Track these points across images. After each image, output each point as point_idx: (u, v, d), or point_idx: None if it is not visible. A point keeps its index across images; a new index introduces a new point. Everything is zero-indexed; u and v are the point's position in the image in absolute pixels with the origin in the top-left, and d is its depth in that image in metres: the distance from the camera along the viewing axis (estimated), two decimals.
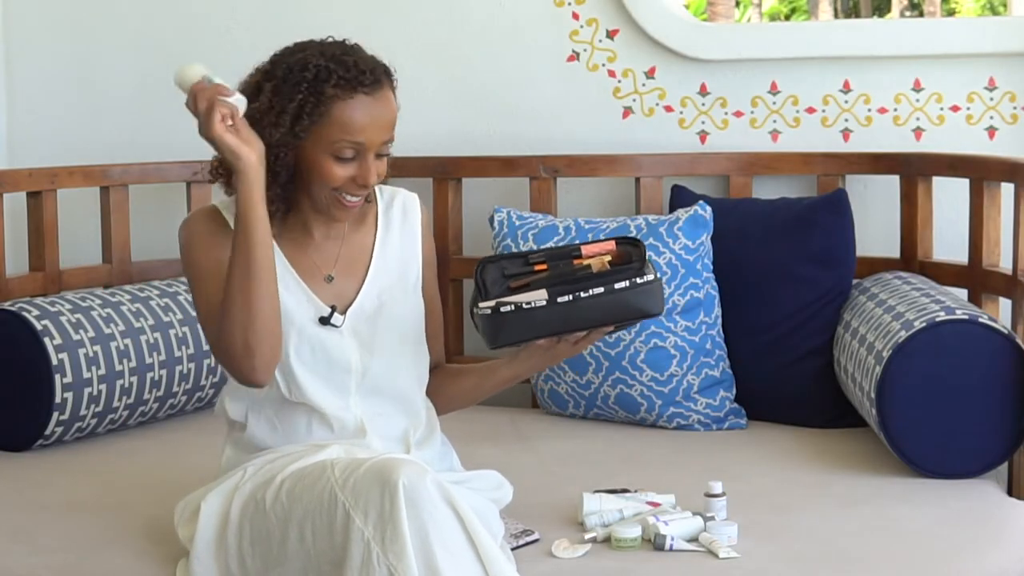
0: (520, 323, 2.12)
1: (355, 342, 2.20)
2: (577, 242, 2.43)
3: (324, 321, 2.18)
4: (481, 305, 2.15)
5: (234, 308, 2.06)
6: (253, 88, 2.15)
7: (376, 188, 2.27)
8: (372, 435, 2.19)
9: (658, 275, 2.17)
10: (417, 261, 2.31)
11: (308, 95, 2.10)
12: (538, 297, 2.13)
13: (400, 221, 2.31)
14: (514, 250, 3.13)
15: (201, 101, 2.04)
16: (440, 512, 1.92)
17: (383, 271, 2.27)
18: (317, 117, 2.10)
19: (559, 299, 2.10)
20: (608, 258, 2.21)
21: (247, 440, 2.22)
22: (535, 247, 3.13)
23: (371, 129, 2.12)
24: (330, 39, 2.20)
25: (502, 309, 2.11)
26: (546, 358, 2.23)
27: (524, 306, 2.11)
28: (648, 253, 2.26)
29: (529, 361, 2.25)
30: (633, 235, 3.06)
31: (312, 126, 2.10)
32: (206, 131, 2.04)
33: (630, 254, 2.21)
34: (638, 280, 2.13)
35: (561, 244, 2.52)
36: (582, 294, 2.11)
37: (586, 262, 2.21)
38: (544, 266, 2.23)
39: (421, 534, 1.90)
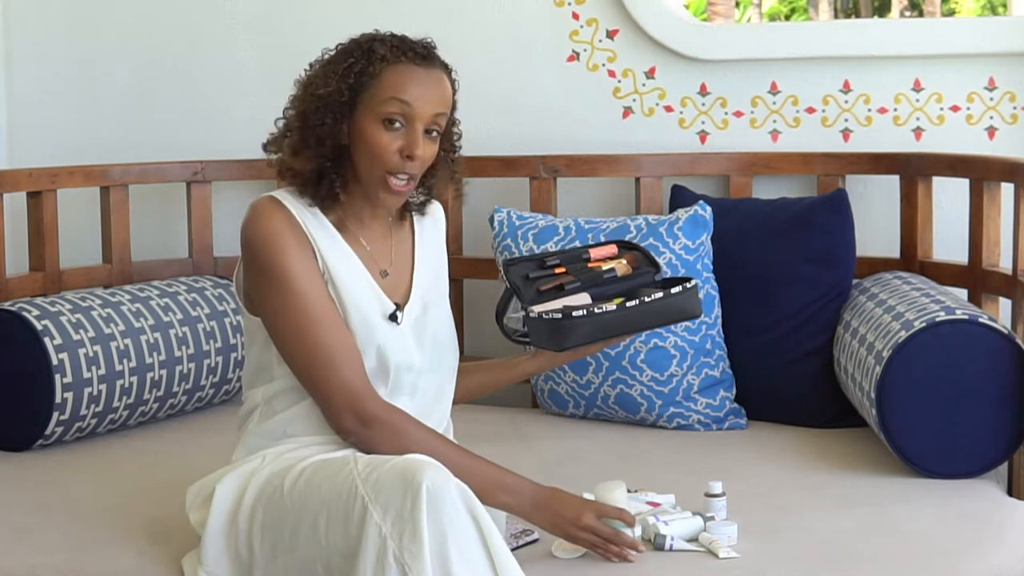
0: (590, 326, 2.20)
1: (413, 339, 2.20)
2: (577, 243, 2.48)
3: (392, 318, 2.17)
4: (538, 310, 2.22)
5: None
6: (308, 81, 2.18)
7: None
8: None
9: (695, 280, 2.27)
10: (445, 268, 2.34)
11: (359, 58, 2.13)
12: (583, 301, 2.24)
13: (431, 227, 2.33)
14: (516, 252, 3.14)
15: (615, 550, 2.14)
16: (460, 518, 1.92)
17: (424, 273, 2.28)
18: (367, 78, 2.12)
19: (628, 303, 2.20)
20: (624, 261, 2.31)
21: (274, 428, 2.19)
22: (535, 248, 3.13)
23: (420, 96, 2.13)
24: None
25: (574, 314, 2.18)
26: (576, 354, 2.28)
27: (596, 311, 2.19)
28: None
29: (557, 357, 2.31)
30: (630, 238, 3.07)
31: (362, 90, 2.12)
32: (587, 541, 2.14)
33: (638, 257, 2.32)
34: (687, 285, 2.26)
35: (565, 248, 2.60)
36: (646, 299, 2.21)
37: (608, 266, 2.30)
38: (563, 269, 2.31)
39: (439, 537, 1.90)
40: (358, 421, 2.11)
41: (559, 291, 2.28)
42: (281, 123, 2.21)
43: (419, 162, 2.14)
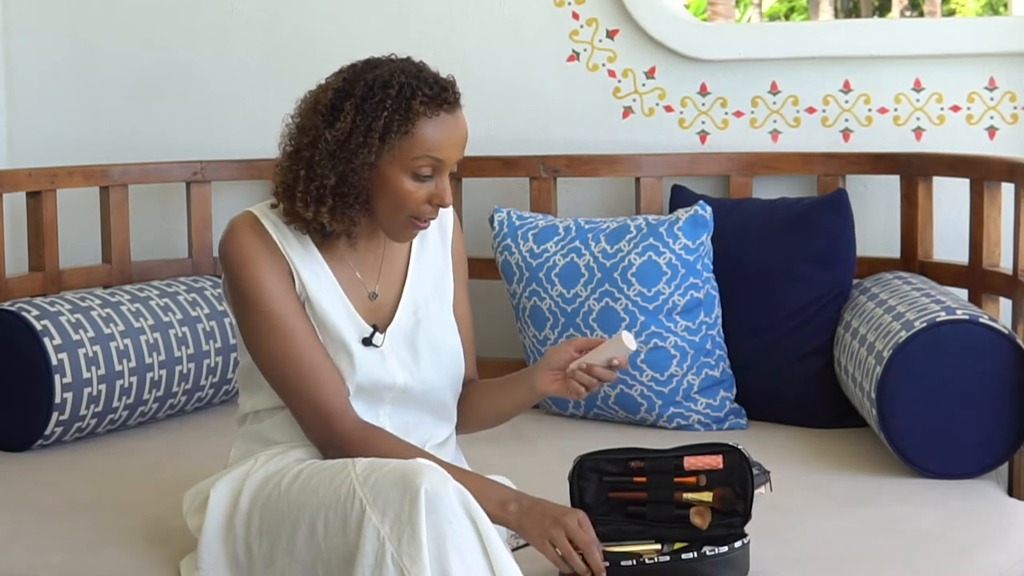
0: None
1: (396, 360, 2.17)
2: (680, 448, 2.22)
3: (367, 342, 2.14)
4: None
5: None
6: (327, 109, 2.07)
7: None
8: None
9: (744, 539, 2.07)
10: (449, 275, 2.29)
11: (394, 112, 2.04)
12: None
13: (435, 231, 2.28)
14: (516, 252, 3.13)
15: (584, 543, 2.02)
16: (459, 521, 1.91)
17: (418, 286, 2.23)
18: (403, 135, 2.04)
19: (623, 562, 2.06)
20: (711, 500, 2.13)
21: (262, 433, 2.20)
22: (535, 248, 3.13)
23: (450, 147, 2.08)
24: (394, 55, 2.13)
25: (622, 562, 2.07)
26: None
27: (647, 561, 2.07)
28: (754, 466, 2.14)
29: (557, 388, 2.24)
30: (629, 239, 3.06)
31: (396, 144, 2.05)
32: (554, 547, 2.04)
33: (734, 503, 2.13)
34: (708, 552, 2.04)
35: (657, 450, 2.24)
36: (647, 560, 2.06)
37: (687, 497, 2.14)
38: (644, 479, 2.19)
39: (438, 540, 1.89)
40: (328, 441, 2.11)
41: (623, 507, 2.18)
42: (287, 157, 2.11)
43: (448, 205, 2.13)
